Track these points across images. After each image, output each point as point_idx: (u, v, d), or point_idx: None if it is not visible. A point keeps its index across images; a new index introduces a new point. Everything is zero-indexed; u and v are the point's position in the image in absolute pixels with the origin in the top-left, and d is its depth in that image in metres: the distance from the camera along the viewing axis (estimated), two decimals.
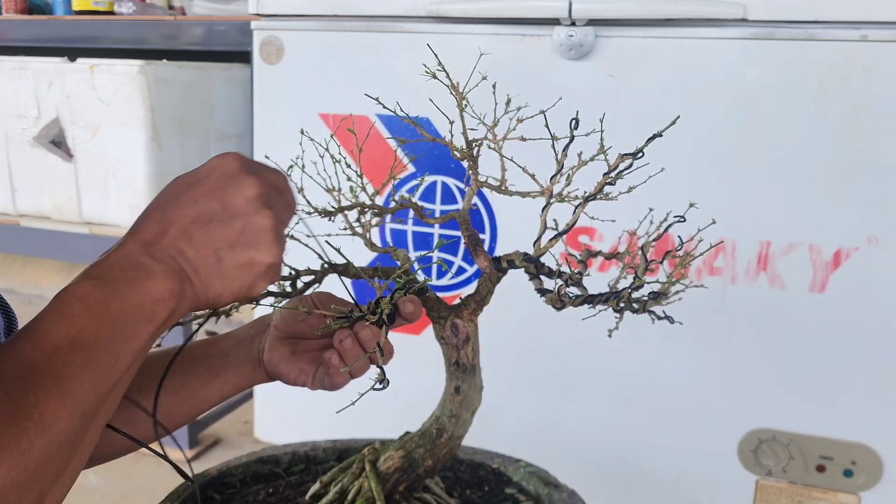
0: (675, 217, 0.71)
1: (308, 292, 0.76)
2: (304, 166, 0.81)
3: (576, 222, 0.70)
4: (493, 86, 0.72)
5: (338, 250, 0.73)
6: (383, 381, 0.64)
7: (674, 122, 0.68)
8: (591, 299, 0.72)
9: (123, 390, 0.51)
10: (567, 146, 0.70)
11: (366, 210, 0.80)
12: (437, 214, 1.35)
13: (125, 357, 0.49)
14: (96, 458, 0.74)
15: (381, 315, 0.65)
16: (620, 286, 0.73)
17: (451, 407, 0.77)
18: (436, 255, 1.37)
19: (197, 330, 0.74)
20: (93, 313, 0.47)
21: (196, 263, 0.52)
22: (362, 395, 0.63)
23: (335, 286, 0.74)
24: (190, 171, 0.56)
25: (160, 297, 0.50)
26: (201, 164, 0.56)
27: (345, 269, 0.75)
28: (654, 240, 0.73)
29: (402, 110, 0.73)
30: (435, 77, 0.68)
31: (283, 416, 1.60)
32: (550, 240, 0.72)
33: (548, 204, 0.73)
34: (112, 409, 0.50)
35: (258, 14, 1.41)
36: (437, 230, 1.38)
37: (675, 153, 1.21)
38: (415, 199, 0.79)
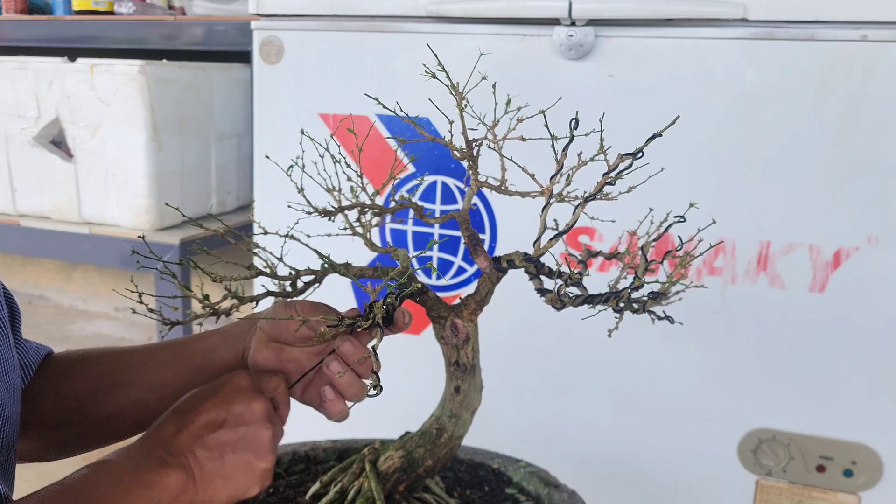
0: (675, 217, 0.71)
1: (308, 292, 0.76)
2: (304, 166, 0.81)
3: (576, 222, 0.70)
4: (493, 86, 0.72)
5: (328, 261, 0.73)
6: (377, 386, 0.64)
7: (673, 122, 0.68)
8: (590, 299, 0.72)
9: None
10: (567, 146, 0.70)
11: (366, 210, 0.80)
12: (437, 214, 1.35)
13: None
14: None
15: (373, 320, 0.65)
16: (620, 286, 0.73)
17: (451, 407, 0.77)
18: (435, 255, 1.37)
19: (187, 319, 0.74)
20: (114, 486, 0.57)
21: (203, 462, 0.61)
22: (356, 402, 0.64)
23: (335, 286, 0.74)
24: (206, 385, 0.66)
25: (169, 486, 0.59)
26: (217, 380, 0.66)
27: (345, 269, 0.75)
28: (654, 240, 0.73)
29: (401, 110, 0.73)
30: (435, 77, 0.68)
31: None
32: (550, 240, 0.72)
33: (548, 204, 0.73)
34: None
35: (258, 14, 1.41)
36: (436, 230, 1.38)
37: (675, 153, 1.21)
38: (415, 199, 0.79)
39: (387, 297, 0.66)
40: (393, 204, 0.79)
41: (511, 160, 0.75)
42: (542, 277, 0.74)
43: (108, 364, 0.77)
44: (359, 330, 0.67)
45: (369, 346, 0.65)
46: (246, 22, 1.46)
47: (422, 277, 0.87)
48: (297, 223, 0.80)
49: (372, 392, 0.64)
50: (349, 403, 0.72)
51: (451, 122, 0.73)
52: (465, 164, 0.75)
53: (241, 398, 0.63)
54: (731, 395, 1.29)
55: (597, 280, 0.87)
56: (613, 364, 1.34)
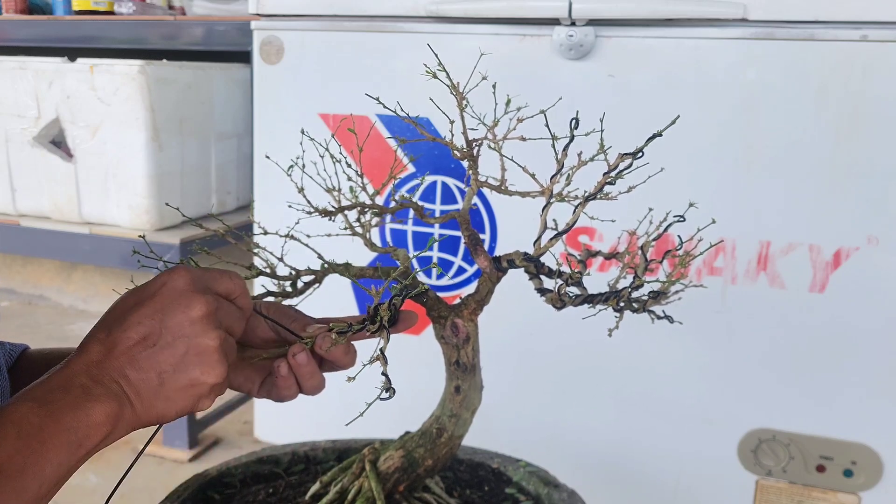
0: (674, 217, 0.71)
1: (308, 292, 0.76)
2: (304, 166, 0.81)
3: (576, 222, 0.70)
4: (493, 86, 0.72)
5: (330, 263, 0.73)
6: (389, 389, 0.63)
7: (673, 122, 0.68)
8: (591, 299, 0.72)
9: None
10: (567, 146, 0.70)
11: (366, 210, 0.80)
12: (437, 214, 1.35)
13: (49, 482, 0.48)
14: None
15: (381, 323, 0.64)
16: (620, 286, 0.73)
17: (452, 406, 0.77)
18: (435, 255, 1.37)
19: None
20: (24, 439, 0.47)
21: (138, 386, 0.53)
22: (370, 405, 0.63)
23: (335, 286, 0.74)
24: (139, 286, 0.57)
25: (96, 422, 0.50)
26: (151, 280, 0.57)
27: (344, 269, 0.75)
28: (654, 239, 0.73)
29: (402, 110, 0.73)
30: (435, 77, 0.68)
31: (283, 416, 1.60)
32: (550, 239, 0.72)
33: (548, 203, 0.73)
34: None
35: (258, 14, 1.41)
36: (437, 230, 1.38)
37: (675, 153, 1.21)
38: (415, 199, 0.79)
39: (392, 298, 0.66)
40: (393, 204, 0.79)
41: (511, 160, 0.75)
42: (543, 277, 0.74)
43: (47, 368, 0.74)
44: (367, 334, 0.67)
45: (377, 348, 0.63)
46: (246, 22, 1.46)
47: (421, 277, 0.87)
48: (297, 223, 0.80)
49: (385, 395, 0.63)
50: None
51: (451, 122, 0.73)
52: (465, 163, 0.75)
53: (179, 303, 0.55)
54: (731, 395, 1.29)
55: (597, 280, 0.87)
56: (613, 364, 1.34)
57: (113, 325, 0.54)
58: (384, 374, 0.62)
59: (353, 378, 0.64)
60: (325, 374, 0.71)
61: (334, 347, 0.67)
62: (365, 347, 0.73)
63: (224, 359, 0.56)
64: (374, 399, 0.62)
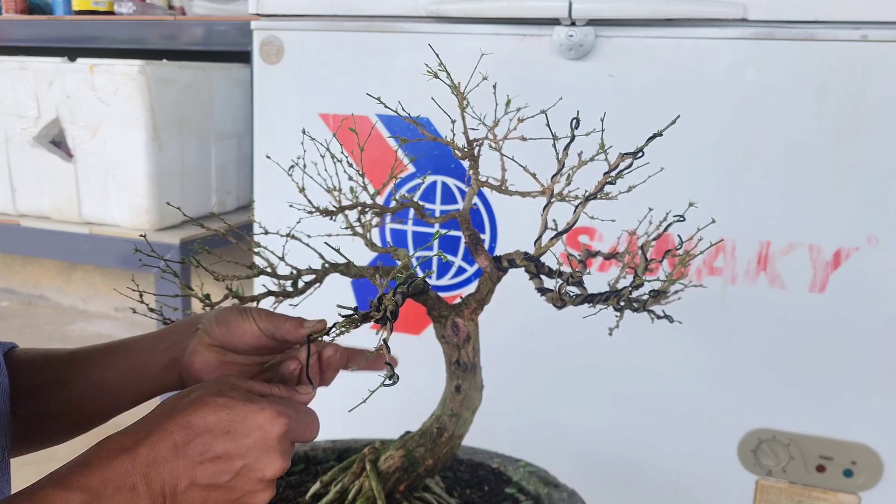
0: (674, 217, 0.71)
1: (309, 292, 0.76)
2: (304, 166, 0.81)
3: (576, 222, 0.70)
4: (494, 86, 0.72)
5: (337, 250, 0.73)
6: (392, 376, 0.63)
7: (673, 122, 0.68)
8: (591, 298, 0.72)
9: None
10: (567, 146, 0.70)
11: (366, 210, 0.80)
12: (438, 214, 1.35)
13: None
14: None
15: (384, 312, 0.65)
16: (620, 285, 0.73)
17: (452, 406, 0.77)
18: (435, 247, 1.37)
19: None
20: None
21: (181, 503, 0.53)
22: (372, 392, 0.63)
23: (335, 286, 0.74)
24: (237, 406, 0.56)
25: None
26: (251, 407, 0.56)
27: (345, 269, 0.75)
28: (654, 239, 0.73)
29: (402, 110, 0.73)
30: (436, 77, 0.69)
31: None
32: (551, 239, 0.72)
33: (548, 203, 0.73)
34: None
35: (258, 14, 1.41)
36: (437, 229, 1.38)
37: (675, 153, 1.21)
38: (415, 199, 0.79)
39: (396, 288, 0.66)
40: (393, 203, 0.79)
41: (512, 160, 0.75)
42: (543, 277, 0.74)
43: (43, 363, 0.72)
44: (371, 321, 0.67)
45: (380, 338, 0.63)
46: (246, 22, 1.46)
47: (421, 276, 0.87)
48: (298, 222, 0.80)
49: (388, 382, 0.63)
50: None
51: (452, 122, 0.73)
52: (465, 163, 0.75)
53: (261, 459, 0.56)
54: (731, 395, 1.29)
55: (597, 280, 0.87)
56: (613, 364, 1.34)
57: (196, 437, 0.54)
58: (388, 363, 0.62)
59: (356, 368, 0.64)
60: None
61: (337, 356, 0.67)
62: (364, 344, 0.73)
63: None
64: (377, 386, 0.62)
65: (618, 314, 0.74)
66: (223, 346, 0.70)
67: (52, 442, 0.73)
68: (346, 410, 0.67)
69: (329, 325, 0.67)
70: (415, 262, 0.72)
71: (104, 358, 0.71)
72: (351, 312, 0.65)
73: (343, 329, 0.66)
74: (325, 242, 0.73)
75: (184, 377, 0.70)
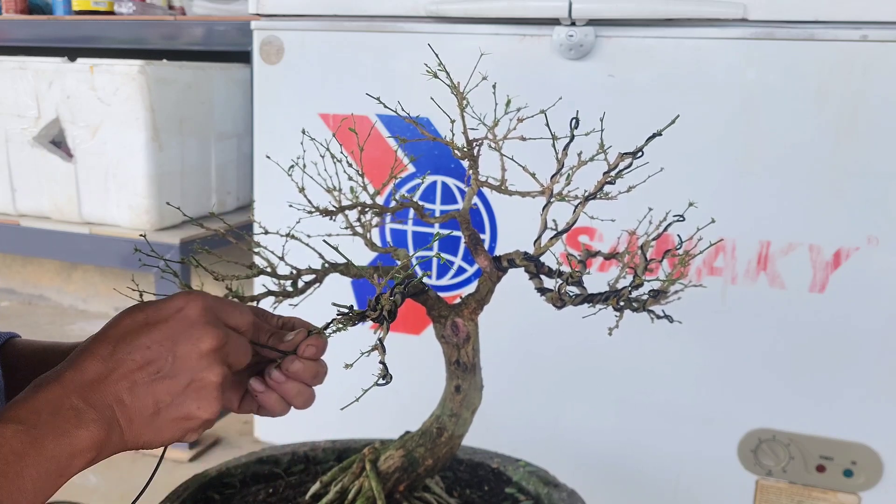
0: (674, 216, 0.71)
1: (309, 292, 0.76)
2: (304, 166, 0.81)
3: (576, 221, 0.70)
4: (494, 86, 0.72)
5: (335, 248, 0.73)
6: (386, 376, 0.63)
7: (673, 122, 0.68)
8: (590, 298, 0.72)
9: None
10: (567, 145, 0.70)
11: (366, 210, 0.80)
12: (438, 214, 1.35)
13: None
14: None
15: (381, 311, 0.65)
16: (620, 285, 0.73)
17: (452, 406, 0.77)
18: (435, 248, 1.37)
19: None
20: (2, 465, 0.45)
21: (132, 414, 0.51)
22: (366, 391, 0.63)
23: (335, 286, 0.74)
24: (151, 304, 0.55)
25: (81, 449, 0.48)
26: (164, 299, 0.54)
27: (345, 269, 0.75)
28: (654, 239, 0.73)
29: (402, 110, 0.73)
30: (436, 77, 0.69)
31: (283, 416, 1.59)
32: (550, 239, 0.72)
33: (548, 203, 0.73)
34: None
35: (258, 14, 1.41)
36: (437, 230, 1.38)
37: (675, 153, 1.21)
38: (415, 199, 0.79)
39: (394, 288, 0.66)
40: (393, 203, 0.79)
41: (511, 160, 0.75)
42: (543, 277, 0.74)
43: (45, 355, 0.70)
44: (368, 319, 0.66)
45: (376, 337, 0.63)
46: (246, 22, 1.46)
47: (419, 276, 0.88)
48: (298, 222, 0.80)
49: (381, 381, 0.63)
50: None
51: (451, 122, 0.73)
52: (465, 163, 0.75)
53: (191, 334, 0.53)
54: (731, 395, 1.29)
55: (597, 280, 0.87)
56: (613, 364, 1.34)
57: (118, 343, 0.52)
58: (381, 362, 0.62)
59: (351, 366, 0.64)
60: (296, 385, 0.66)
61: (303, 367, 0.64)
62: (364, 343, 0.73)
63: (221, 395, 0.55)
64: (370, 385, 0.62)
65: (617, 314, 0.74)
66: None
67: None
68: (344, 402, 0.67)
69: (326, 323, 0.67)
70: (414, 262, 0.72)
71: None
72: (346, 311, 0.65)
73: (339, 327, 0.66)
74: (324, 241, 0.73)
75: None
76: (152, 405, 0.52)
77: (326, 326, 0.66)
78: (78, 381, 0.50)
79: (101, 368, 0.51)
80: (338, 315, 0.66)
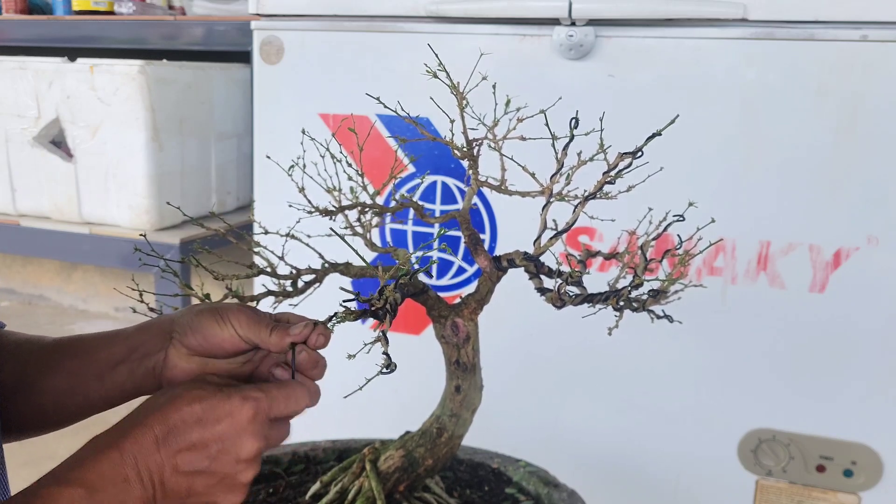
0: (674, 216, 0.71)
1: (309, 291, 0.76)
2: (304, 166, 0.81)
3: (576, 221, 0.70)
4: (493, 86, 0.72)
5: (343, 240, 0.73)
6: (389, 365, 0.64)
7: (673, 122, 0.68)
8: (590, 298, 0.72)
9: None
10: (567, 145, 0.70)
11: (366, 210, 0.80)
12: (437, 214, 1.35)
13: None
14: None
15: (385, 303, 0.65)
16: (620, 285, 0.73)
17: (452, 406, 0.77)
18: (435, 254, 1.37)
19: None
20: None
21: (168, 491, 0.57)
22: (369, 380, 0.63)
23: (335, 286, 0.74)
24: (208, 399, 0.59)
25: None
26: (221, 398, 0.59)
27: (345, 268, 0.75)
28: (654, 239, 0.73)
29: (402, 110, 0.73)
30: (436, 77, 0.69)
31: None
32: (550, 239, 0.72)
33: (548, 203, 0.73)
34: None
35: (258, 14, 1.41)
36: (437, 230, 1.38)
37: (675, 153, 1.21)
38: (415, 199, 0.79)
39: (398, 280, 0.66)
40: (393, 203, 0.79)
41: (511, 160, 0.75)
42: (542, 276, 0.74)
43: (22, 359, 0.70)
44: (372, 309, 0.66)
45: (379, 330, 0.63)
46: (246, 22, 1.46)
47: (422, 277, 0.87)
48: (298, 222, 0.80)
49: (385, 370, 0.64)
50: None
51: (451, 122, 0.73)
52: (465, 163, 0.75)
53: (235, 442, 0.58)
54: (731, 395, 1.29)
55: (597, 280, 0.87)
56: (613, 364, 1.34)
57: (172, 430, 0.57)
58: (385, 352, 0.62)
59: (354, 356, 0.64)
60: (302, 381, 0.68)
61: (307, 357, 0.66)
62: (364, 340, 0.73)
63: (246, 487, 0.61)
64: (374, 374, 0.62)
65: (617, 314, 0.74)
66: (202, 355, 0.67)
67: (41, 430, 0.72)
68: (344, 402, 0.67)
69: (327, 317, 0.67)
70: (413, 260, 0.72)
71: (71, 368, 0.69)
72: (352, 298, 0.65)
73: (342, 318, 0.65)
74: (332, 229, 0.73)
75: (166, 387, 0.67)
76: (186, 490, 0.58)
77: (330, 319, 0.66)
78: (135, 453, 0.56)
79: (152, 448, 0.56)
80: (342, 307, 0.66)
